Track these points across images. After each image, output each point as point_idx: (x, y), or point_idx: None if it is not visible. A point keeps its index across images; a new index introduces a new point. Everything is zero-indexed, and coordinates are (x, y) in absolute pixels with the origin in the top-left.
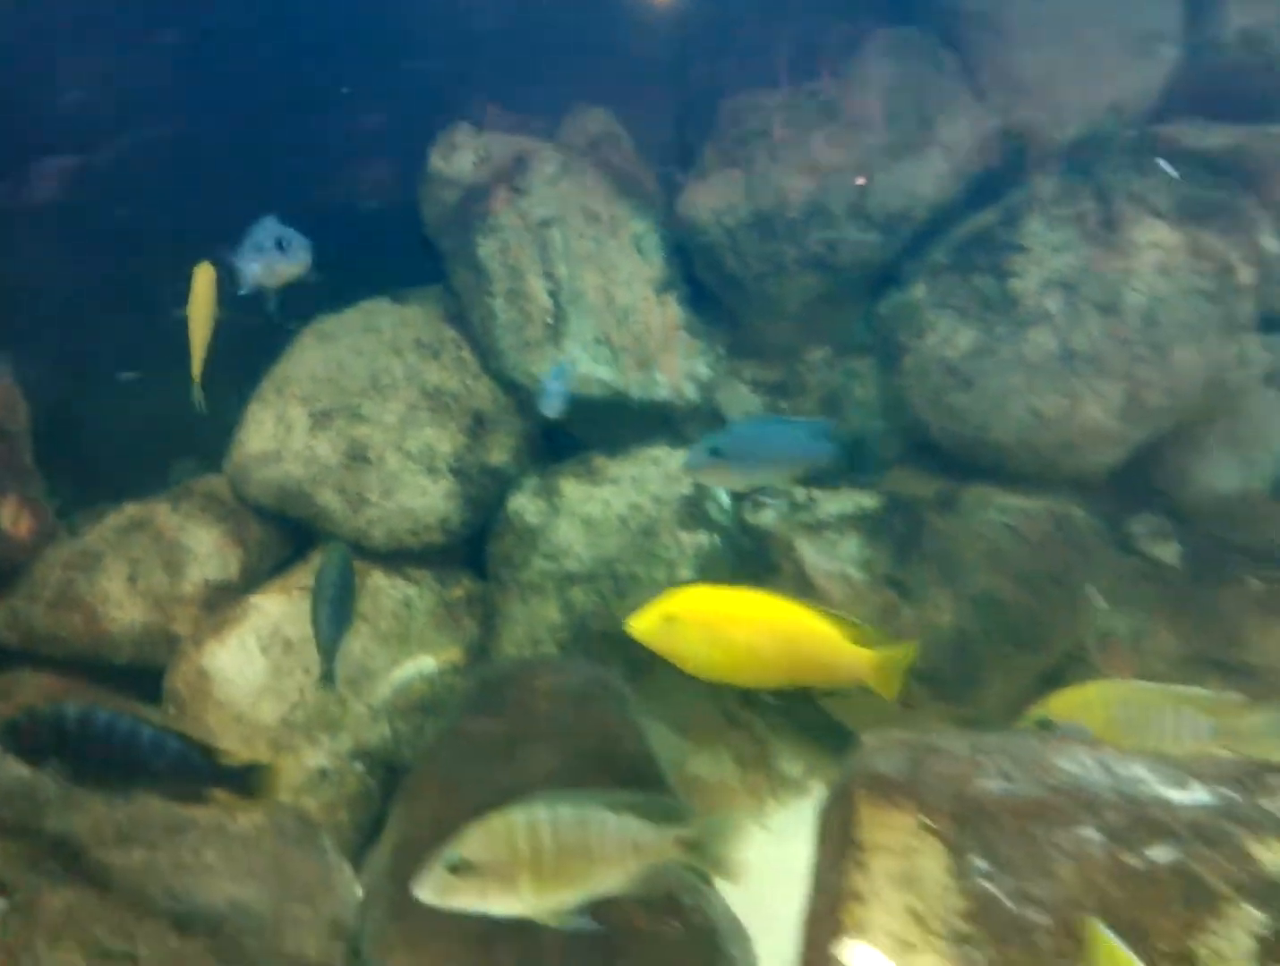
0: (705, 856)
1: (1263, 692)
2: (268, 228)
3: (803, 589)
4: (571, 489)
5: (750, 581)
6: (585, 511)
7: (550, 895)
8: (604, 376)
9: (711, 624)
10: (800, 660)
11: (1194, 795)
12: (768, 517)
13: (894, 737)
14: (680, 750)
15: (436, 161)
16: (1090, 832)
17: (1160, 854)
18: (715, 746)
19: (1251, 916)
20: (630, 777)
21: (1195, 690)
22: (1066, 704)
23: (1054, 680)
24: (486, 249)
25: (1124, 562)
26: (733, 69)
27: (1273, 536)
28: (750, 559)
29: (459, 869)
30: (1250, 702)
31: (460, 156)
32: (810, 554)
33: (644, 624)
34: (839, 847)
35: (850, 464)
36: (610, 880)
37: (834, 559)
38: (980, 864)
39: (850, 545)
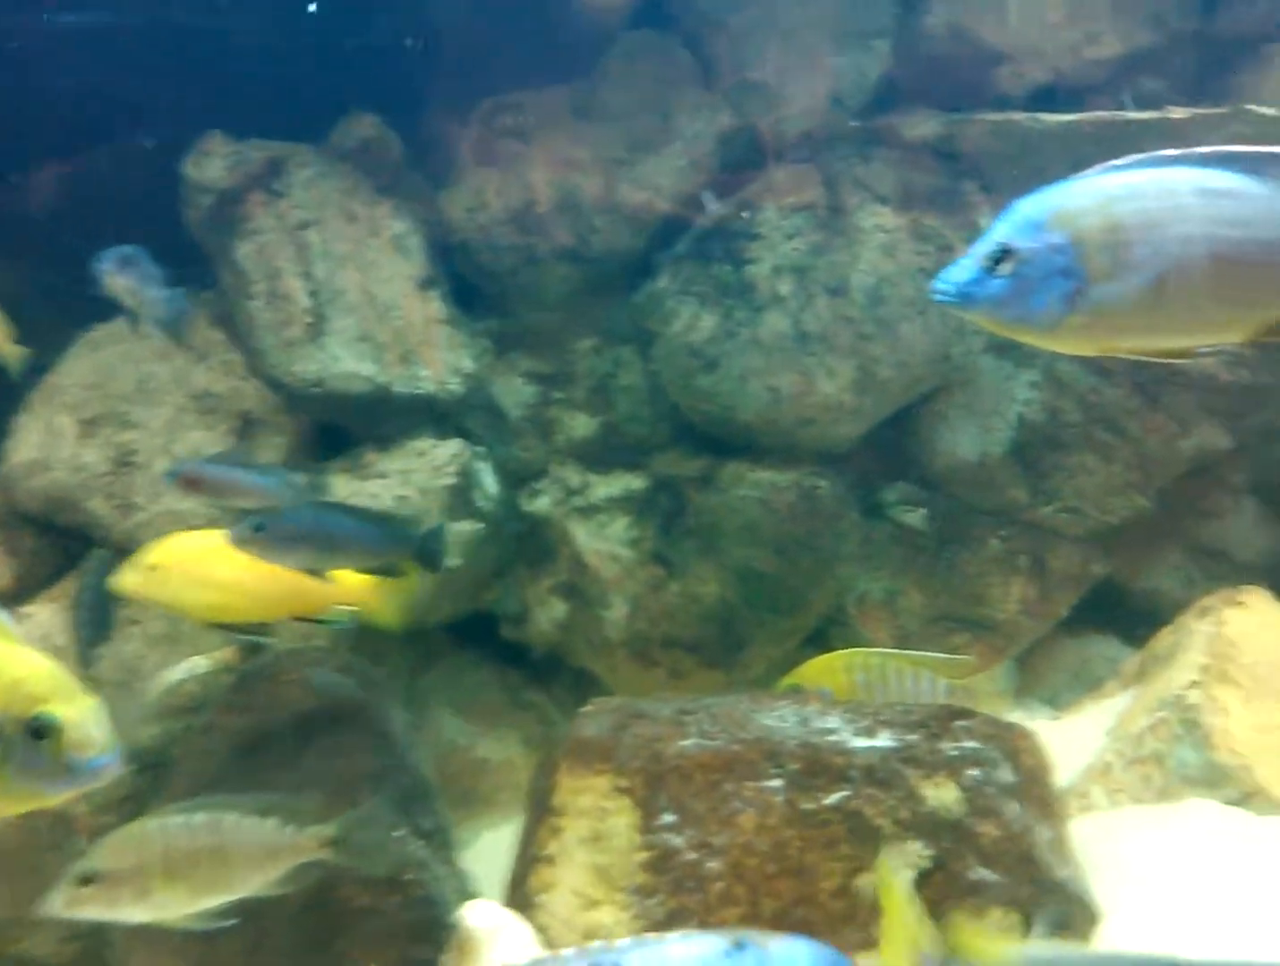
0: (350, 852)
1: (1001, 645)
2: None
3: (578, 569)
4: (341, 484)
5: (528, 566)
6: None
7: (186, 900)
8: (366, 372)
9: (194, 566)
10: (291, 588)
11: (876, 741)
12: (543, 504)
13: (608, 705)
14: (468, 734)
15: (189, 169)
16: (774, 783)
17: (833, 798)
18: (502, 728)
19: (913, 850)
20: (379, 766)
21: (931, 654)
22: (814, 671)
23: (816, 641)
24: (243, 251)
25: (876, 529)
26: (489, 69)
27: (1011, 497)
28: (527, 544)
29: (89, 880)
30: (978, 660)
31: (211, 163)
32: (582, 536)
33: (129, 577)
34: (539, 815)
35: (420, 559)
36: (250, 882)
37: (604, 539)
38: (668, 818)
39: (619, 526)
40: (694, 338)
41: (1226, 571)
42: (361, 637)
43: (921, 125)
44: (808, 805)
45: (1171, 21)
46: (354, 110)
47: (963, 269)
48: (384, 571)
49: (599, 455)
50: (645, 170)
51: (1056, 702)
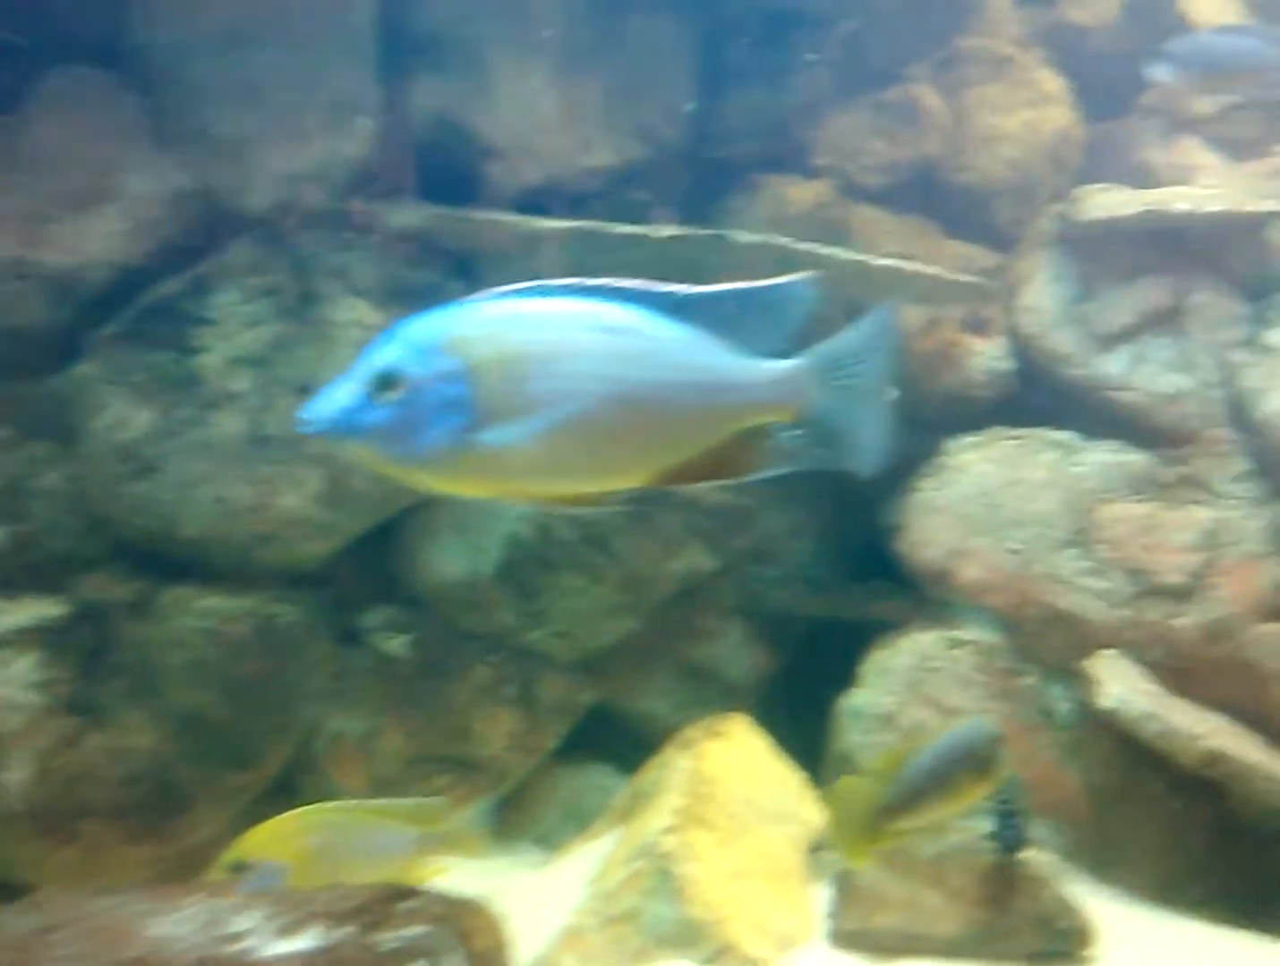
0: None
1: (487, 784)
2: None
3: None
4: None
5: None
6: None
7: None
8: None
9: None
10: None
11: (298, 943)
12: None
13: None
14: None
15: None
16: None
17: None
18: None
19: None
20: None
21: (398, 802)
22: (262, 840)
23: (282, 792)
24: None
25: (353, 658)
26: None
27: (500, 621)
28: None
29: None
30: (453, 803)
31: None
32: None
33: None
34: None
35: None
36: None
37: (3, 683)
38: None
39: (25, 664)
40: (126, 436)
41: (716, 693)
42: None
43: (408, 215)
44: None
45: (662, 137)
46: None
47: (339, 395)
48: None
49: (7, 575)
50: (74, 231)
51: (549, 841)
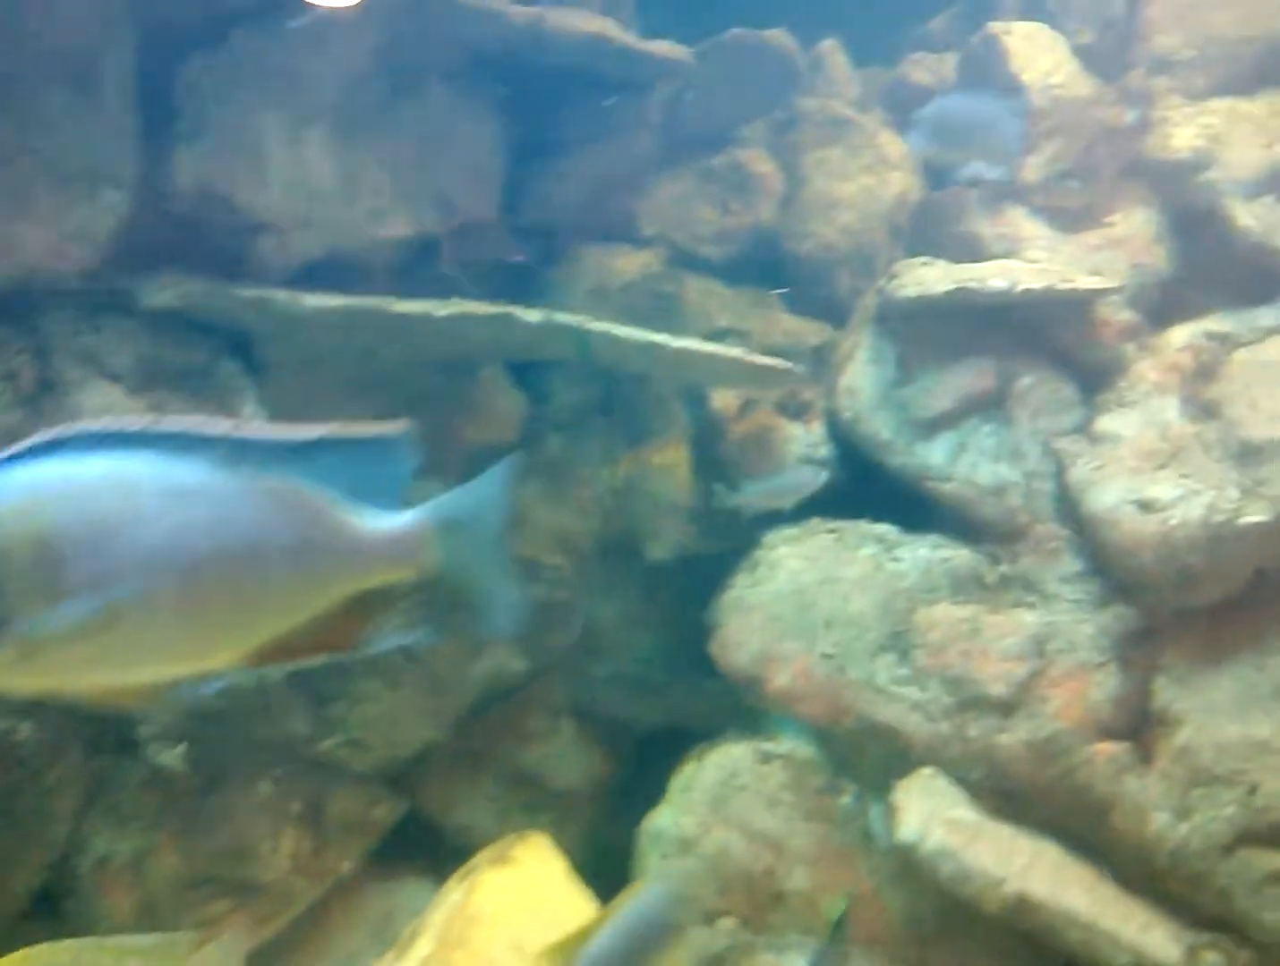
0: None
1: (270, 912)
2: None
3: None
4: None
5: None
6: None
7: None
8: None
9: None
10: None
11: None
12: None
13: None
14: None
15: None
16: None
17: None
18: None
19: None
20: None
21: (135, 938)
22: None
23: (40, 920)
24: None
25: (123, 771)
26: None
27: (289, 729)
28: None
29: None
30: (202, 938)
31: None
32: None
33: None
34: None
35: None
36: None
37: None
38: None
39: None
40: None
41: (545, 801)
42: None
43: (165, 293)
44: None
45: (468, 206)
46: None
47: None
48: None
49: None
50: None
51: None
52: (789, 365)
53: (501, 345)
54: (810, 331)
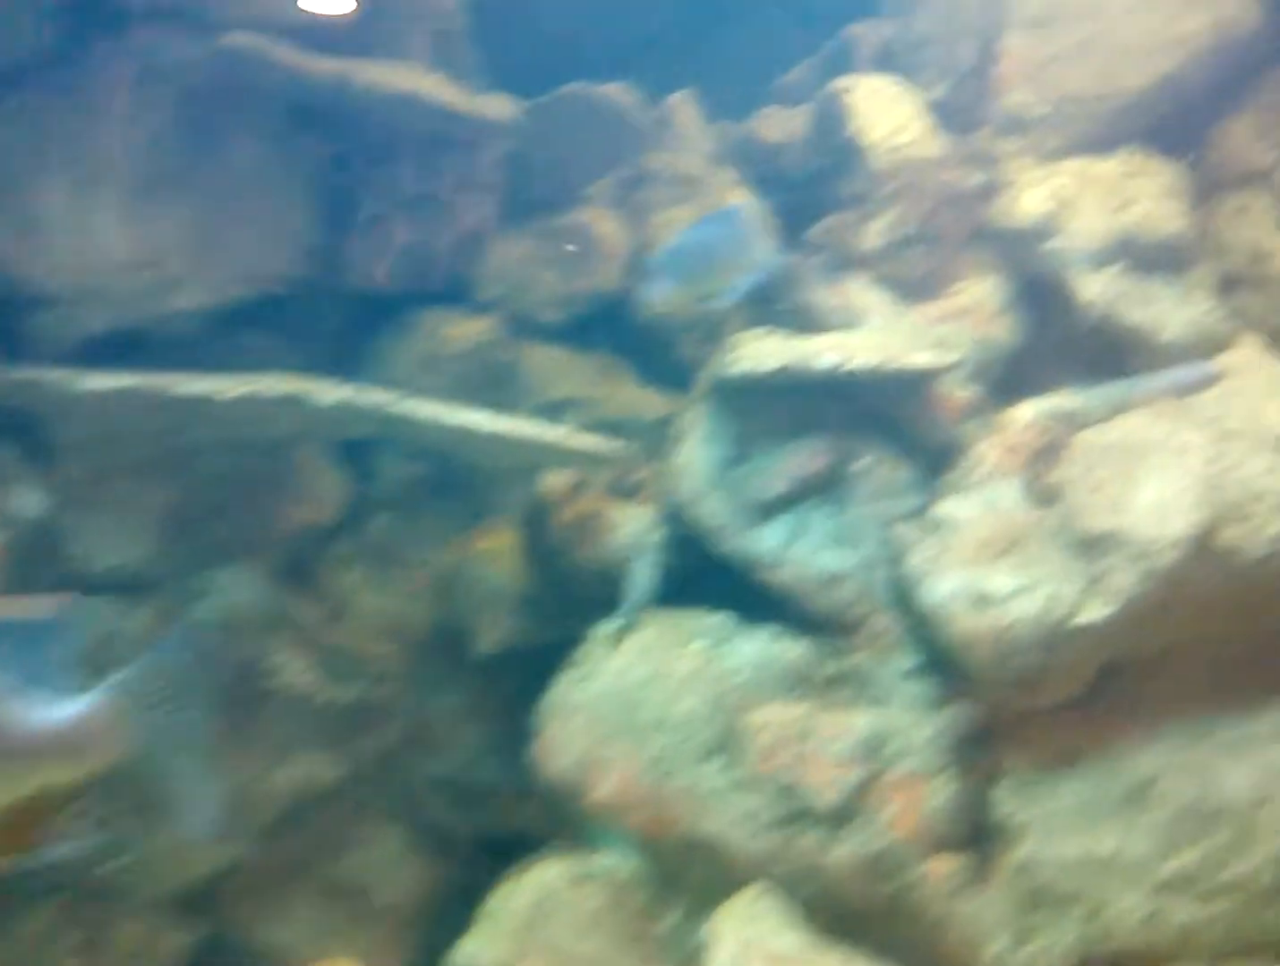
0: None
1: None
2: None
3: None
4: None
5: None
6: None
7: None
8: None
9: None
10: None
11: None
12: None
13: None
14: None
15: None
16: None
17: None
18: None
19: None
20: None
21: None
22: None
23: None
24: None
25: None
26: None
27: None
28: None
29: None
30: None
31: None
32: None
33: None
34: None
35: None
36: None
37: None
38: None
39: None
40: None
41: (367, 914)
42: None
43: None
44: None
45: (282, 272)
46: None
47: None
48: None
49: None
50: None
51: None
52: (614, 447)
53: (300, 426)
54: (653, 403)
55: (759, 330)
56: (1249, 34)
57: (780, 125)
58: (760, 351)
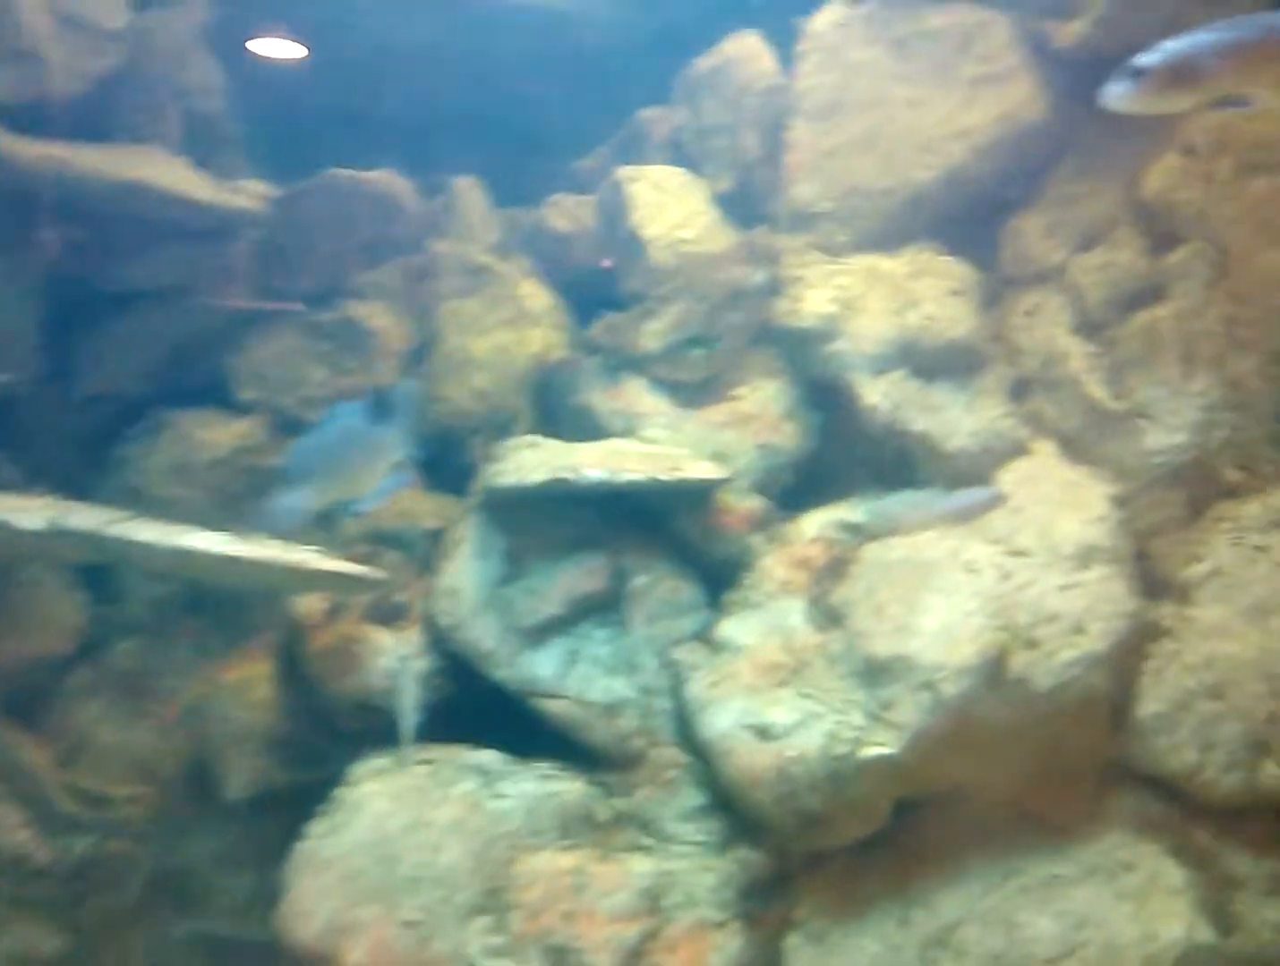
0: None
1: None
2: None
3: None
4: None
5: None
6: None
7: None
8: None
9: None
10: None
11: None
12: None
13: None
14: None
15: None
16: None
17: None
18: None
19: None
20: None
21: None
22: None
23: None
24: None
25: None
26: None
27: None
28: None
29: None
30: None
31: None
32: None
33: None
34: None
35: None
36: None
37: None
38: None
39: None
40: None
41: None
42: None
43: None
44: None
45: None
46: None
47: None
48: None
49: None
50: None
51: None
52: (366, 570)
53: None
54: (429, 511)
55: (527, 438)
56: (1036, 127)
57: (569, 214)
58: (527, 462)
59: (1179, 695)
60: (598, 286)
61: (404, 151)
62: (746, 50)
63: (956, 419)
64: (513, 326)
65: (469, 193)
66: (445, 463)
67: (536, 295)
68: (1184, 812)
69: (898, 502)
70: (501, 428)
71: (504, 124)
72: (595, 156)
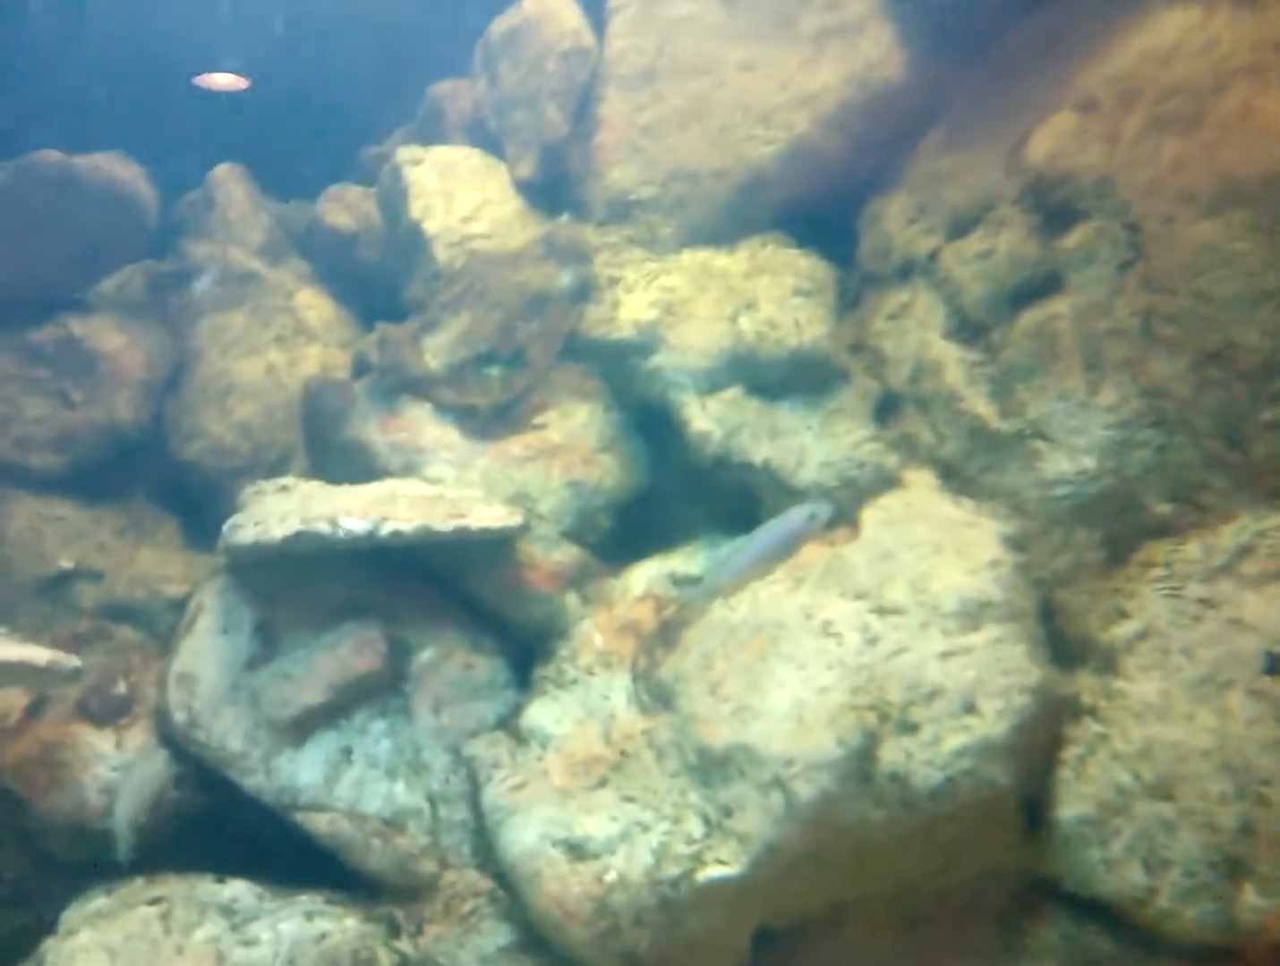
0: None
1: None
2: None
3: None
4: None
5: None
6: None
7: None
8: None
9: None
10: None
11: None
12: None
13: None
14: None
15: None
16: None
17: None
18: None
19: None
20: None
21: None
22: None
23: None
24: None
25: None
26: None
27: None
28: None
29: None
30: None
31: None
32: None
33: None
34: None
35: None
36: None
37: None
38: None
39: None
40: None
41: None
42: None
43: None
44: None
45: None
46: None
47: None
48: None
49: None
50: None
51: None
52: (61, 659)
53: None
54: (177, 575)
55: (278, 481)
56: (894, 89)
57: (353, 207)
58: (273, 512)
59: (1108, 795)
60: (389, 293)
61: (142, 134)
62: (548, 7)
63: (807, 446)
64: (285, 344)
65: (230, 183)
66: (202, 513)
67: (315, 306)
68: (1138, 953)
69: (735, 549)
70: (272, 468)
71: (277, 101)
72: (394, 141)
